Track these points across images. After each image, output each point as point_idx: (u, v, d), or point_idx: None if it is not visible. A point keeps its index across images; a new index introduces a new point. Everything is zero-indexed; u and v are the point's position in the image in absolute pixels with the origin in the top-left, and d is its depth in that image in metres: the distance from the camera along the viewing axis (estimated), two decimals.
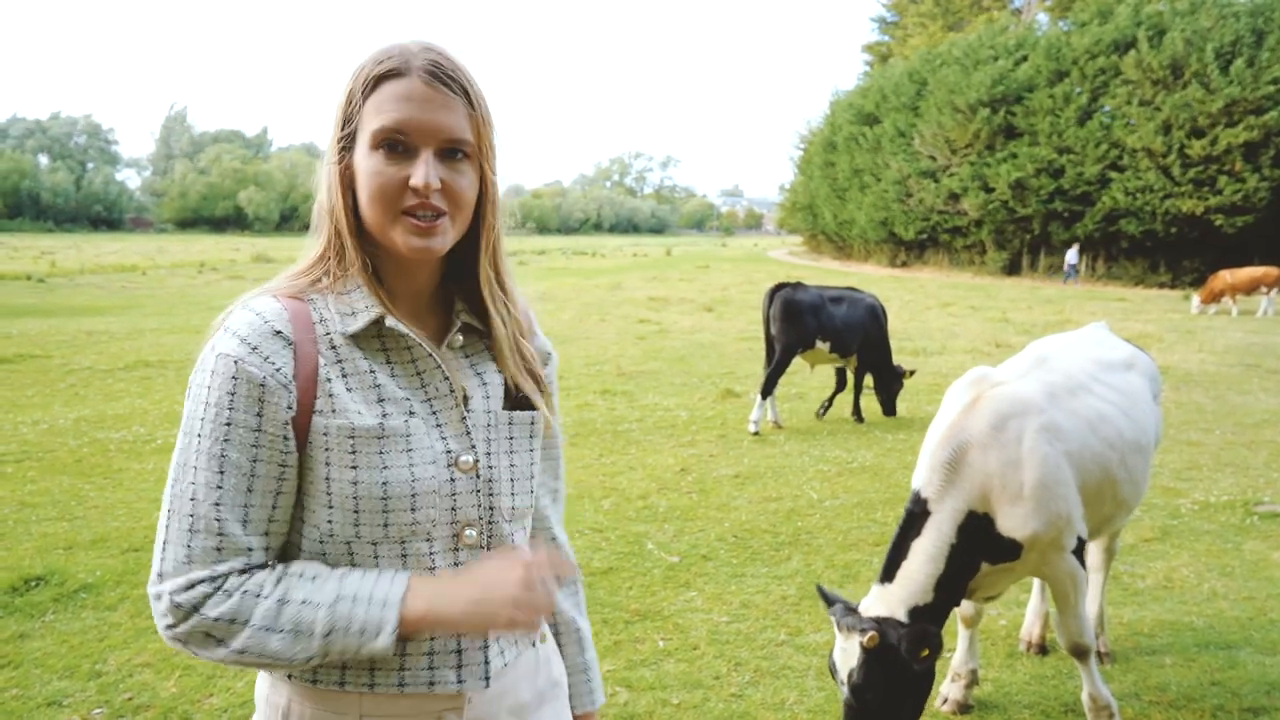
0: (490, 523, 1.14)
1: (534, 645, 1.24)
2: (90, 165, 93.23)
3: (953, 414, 2.79)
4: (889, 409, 8.04)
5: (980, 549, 2.65)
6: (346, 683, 1.07)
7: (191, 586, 0.99)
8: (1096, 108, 27.33)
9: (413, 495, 1.07)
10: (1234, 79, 23.72)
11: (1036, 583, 3.62)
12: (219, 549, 1.01)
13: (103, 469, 6.08)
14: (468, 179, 1.08)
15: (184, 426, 1.04)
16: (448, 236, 1.08)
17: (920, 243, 35.72)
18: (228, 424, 1.01)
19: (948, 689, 3.18)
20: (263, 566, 1.04)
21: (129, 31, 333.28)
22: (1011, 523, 2.63)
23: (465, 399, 1.14)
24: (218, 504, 1.01)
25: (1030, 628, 3.63)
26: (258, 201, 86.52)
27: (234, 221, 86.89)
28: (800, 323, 7.48)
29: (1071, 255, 26.69)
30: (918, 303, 19.70)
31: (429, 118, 1.04)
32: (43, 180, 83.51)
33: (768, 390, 7.42)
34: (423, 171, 1.03)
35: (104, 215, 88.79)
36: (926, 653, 2.45)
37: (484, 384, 1.18)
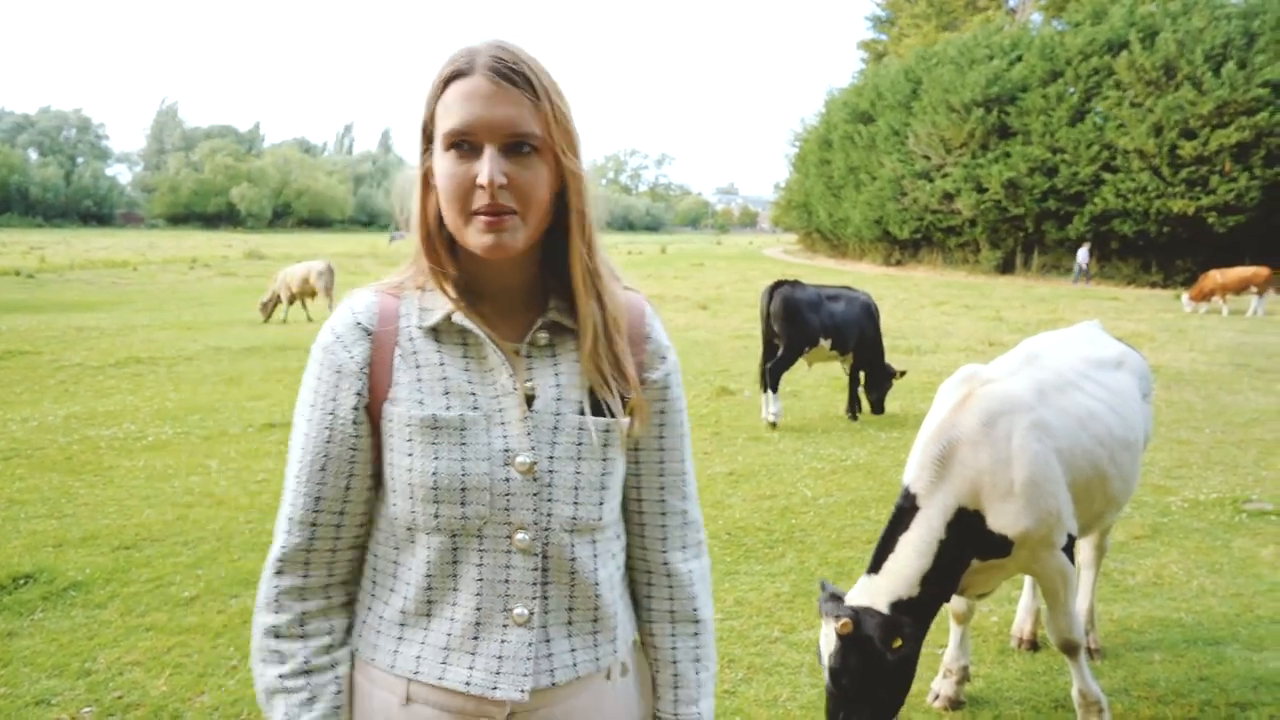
0: (546, 529, 1.11)
1: (607, 676, 1.19)
2: (80, 160, 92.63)
3: (943, 411, 2.81)
4: (878, 408, 8.08)
5: (970, 545, 2.68)
6: (396, 665, 1.13)
7: (277, 610, 1.14)
8: (1089, 108, 27.41)
9: (462, 489, 1.09)
10: (1225, 80, 23.82)
11: (1028, 579, 3.64)
12: (305, 576, 1.14)
13: (93, 466, 6.05)
14: (536, 173, 1.07)
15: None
16: (518, 234, 1.07)
17: (914, 241, 35.78)
18: (311, 405, 1.13)
19: (939, 685, 3.19)
20: (340, 596, 1.17)
21: (119, 25, 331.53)
22: (1002, 520, 2.65)
23: (529, 399, 1.12)
24: (298, 476, 1.12)
25: (1022, 624, 3.65)
26: (250, 198, 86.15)
27: (226, 218, 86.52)
28: (804, 320, 7.55)
29: (1082, 255, 26.07)
30: (912, 301, 19.74)
31: (491, 114, 1.04)
32: (32, 175, 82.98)
33: (774, 385, 7.50)
34: (486, 169, 1.03)
35: (94, 211, 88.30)
36: (899, 643, 2.50)
37: (560, 384, 1.14)
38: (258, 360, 10.74)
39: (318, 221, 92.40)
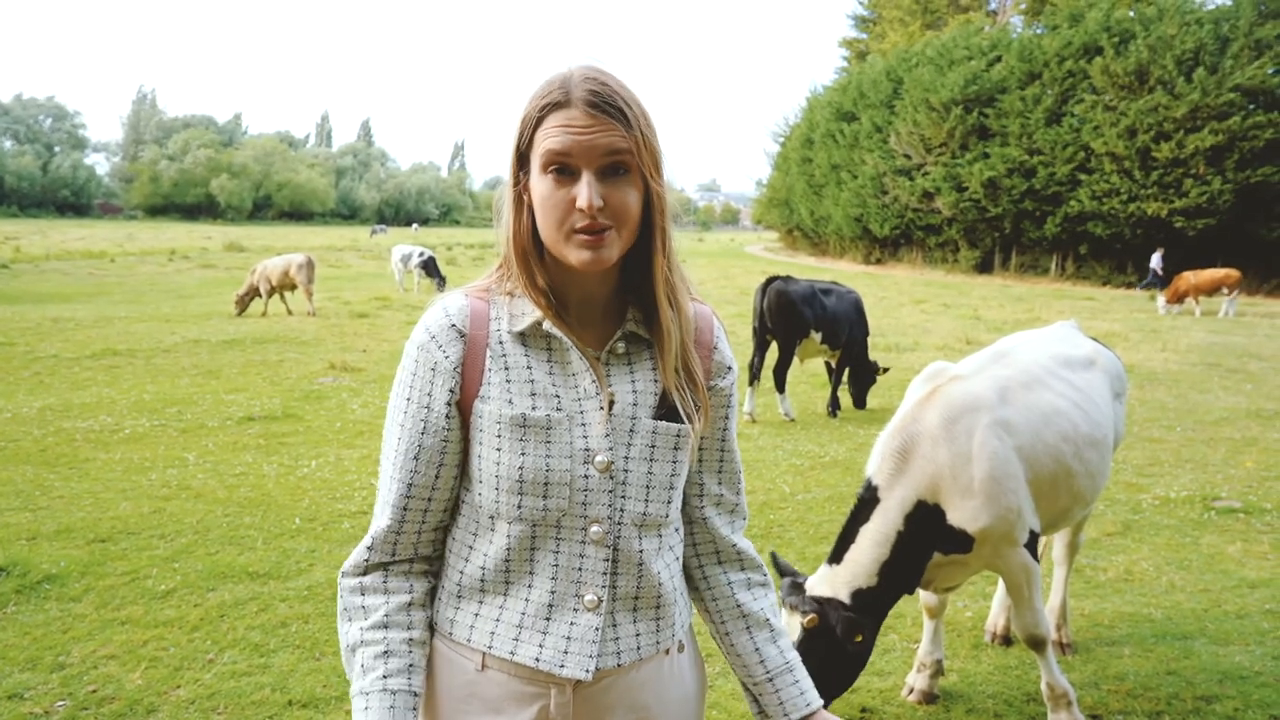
0: (618, 523, 1.21)
1: (666, 653, 1.28)
2: (58, 149, 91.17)
3: (908, 405, 2.87)
4: (860, 402, 8.18)
5: (930, 539, 2.73)
6: (472, 639, 1.23)
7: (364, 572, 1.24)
8: (1066, 110, 27.69)
9: (545, 484, 1.18)
10: (1197, 85, 24.15)
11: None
12: (393, 552, 1.24)
13: (68, 459, 5.99)
14: (629, 194, 1.15)
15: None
16: (614, 249, 1.16)
17: (894, 240, 36.02)
18: (408, 399, 1.22)
19: (913, 679, 3.24)
20: (422, 565, 1.27)
21: (96, 12, 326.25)
22: (962, 516, 2.69)
23: (611, 403, 1.21)
24: (393, 463, 1.22)
25: (995, 619, 3.70)
26: (230, 189, 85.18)
27: (206, 209, 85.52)
28: (798, 313, 7.66)
29: (1156, 260, 22.56)
30: (891, 299, 19.89)
31: (587, 142, 1.12)
32: (7, 164, 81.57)
33: (780, 385, 7.73)
34: (585, 193, 1.11)
35: (71, 201, 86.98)
36: (860, 638, 2.58)
37: (635, 390, 1.24)
38: (237, 353, 10.65)
39: (298, 214, 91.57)
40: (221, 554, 4.36)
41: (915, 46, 35.60)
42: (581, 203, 1.11)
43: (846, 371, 8.17)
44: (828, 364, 8.45)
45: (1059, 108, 27.84)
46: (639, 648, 1.24)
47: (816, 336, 7.80)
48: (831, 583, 2.68)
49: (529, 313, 1.21)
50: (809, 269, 32.03)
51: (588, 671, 1.20)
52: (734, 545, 1.37)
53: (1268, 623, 3.82)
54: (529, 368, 1.21)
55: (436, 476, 1.22)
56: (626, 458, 1.21)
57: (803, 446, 6.86)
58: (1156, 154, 24.89)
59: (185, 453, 6.20)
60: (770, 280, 7.84)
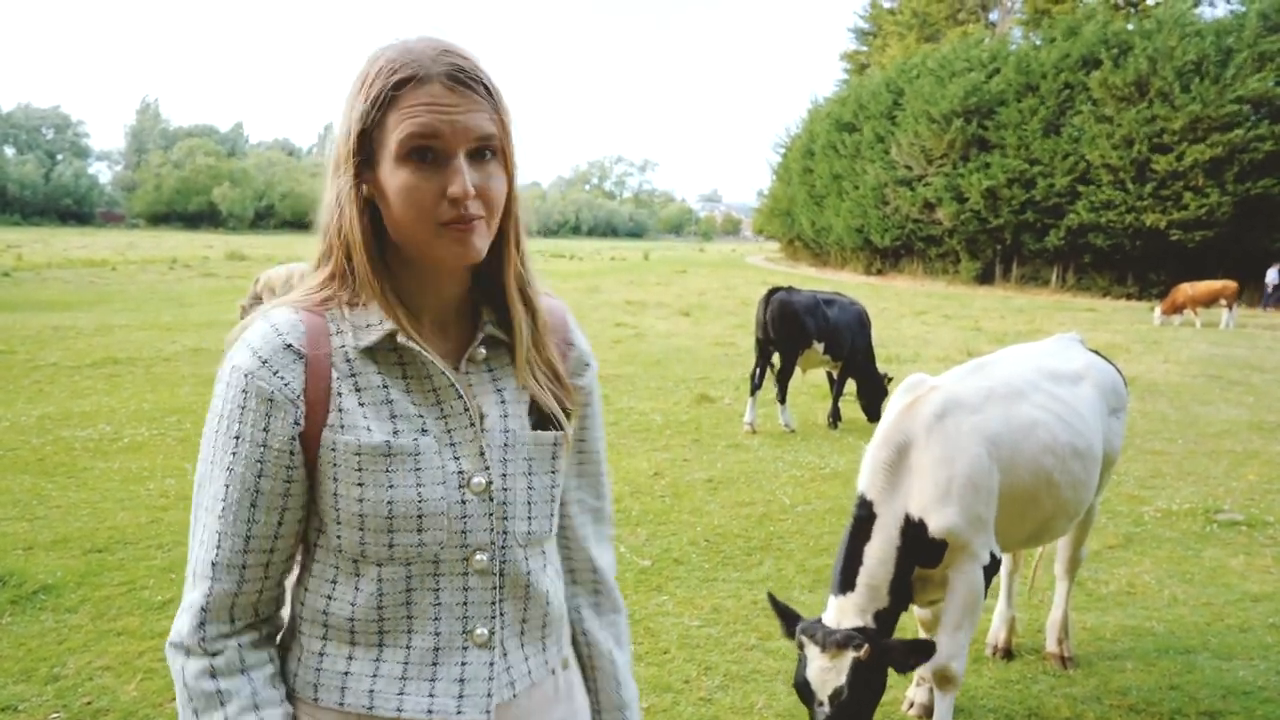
0: (503, 547, 1.10)
1: (552, 673, 1.19)
2: (60, 158, 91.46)
3: (890, 416, 2.84)
4: (873, 414, 8.15)
5: (916, 552, 2.68)
6: (345, 702, 1.07)
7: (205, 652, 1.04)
8: (1064, 122, 27.78)
9: (419, 516, 1.05)
10: (1196, 96, 24.21)
11: (1003, 588, 3.67)
12: (231, 621, 1.04)
13: (66, 468, 5.98)
14: (498, 179, 1.05)
15: (203, 435, 1.06)
16: (485, 239, 1.05)
17: (895, 250, 36.07)
18: (235, 438, 1.02)
19: (914, 693, 3.21)
20: (267, 628, 1.09)
21: (98, 21, 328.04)
22: (939, 521, 2.64)
23: (481, 418, 1.10)
24: (222, 515, 1.03)
25: (996, 632, 3.68)
26: (232, 198, 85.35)
27: (207, 218, 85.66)
28: (800, 324, 7.69)
29: (1272, 275, 22.09)
30: (892, 310, 19.89)
31: (458, 121, 1.00)
32: (9, 172, 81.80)
33: (782, 397, 7.79)
34: (460, 180, 0.99)
35: (73, 209, 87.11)
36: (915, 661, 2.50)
37: (503, 401, 1.12)
38: None
39: (300, 223, 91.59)
40: None
41: (915, 58, 35.76)
42: (456, 190, 0.99)
43: (850, 383, 8.16)
44: (829, 375, 8.45)
45: (1057, 119, 27.93)
46: (530, 672, 1.14)
47: (819, 347, 7.81)
48: (851, 611, 2.58)
49: (375, 324, 1.06)
50: (810, 279, 32.03)
51: (486, 712, 1.09)
52: (591, 561, 1.27)
53: (1271, 637, 3.80)
54: (385, 387, 1.06)
55: (279, 524, 1.05)
56: (504, 475, 1.09)
57: (803, 458, 6.85)
58: (1155, 166, 24.94)
59: (184, 462, 6.18)
60: (773, 291, 7.87)
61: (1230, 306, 17.87)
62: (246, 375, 1.03)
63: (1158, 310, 18.40)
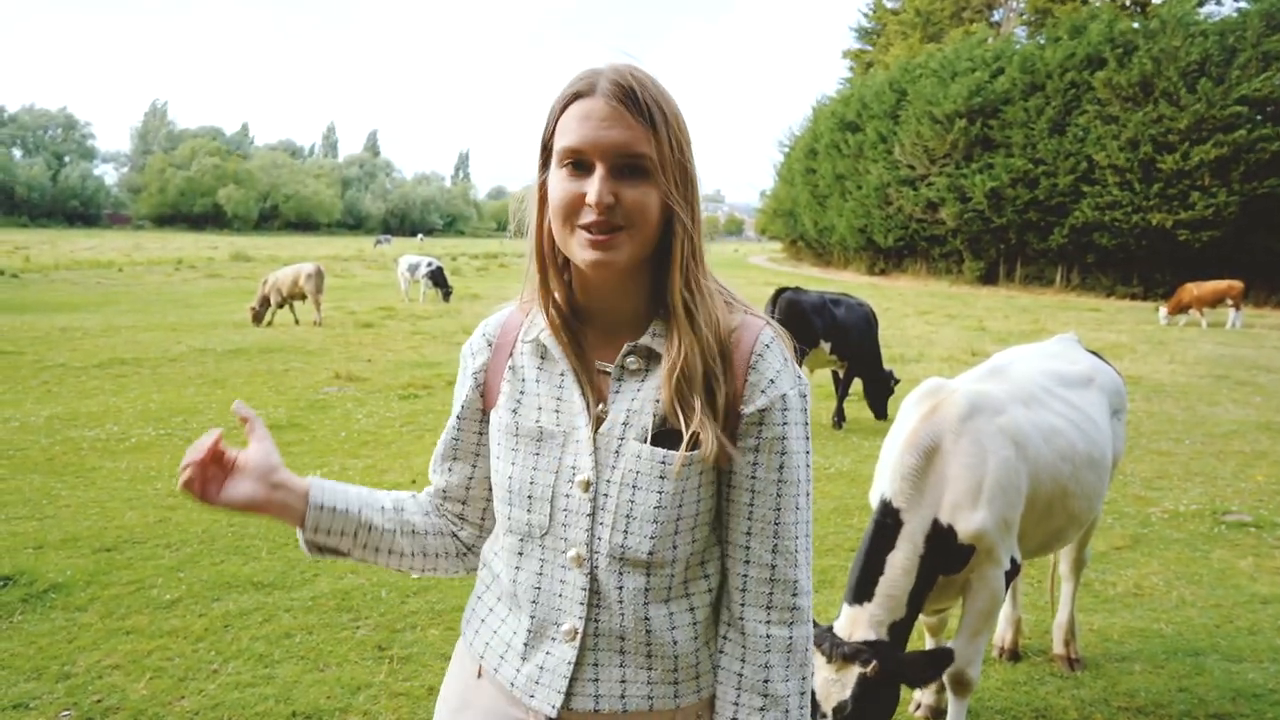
0: (595, 551, 1.12)
1: (651, 709, 1.13)
2: (67, 159, 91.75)
3: (912, 421, 2.73)
4: (880, 413, 8.18)
5: (940, 560, 2.58)
6: (472, 643, 1.26)
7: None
8: (1069, 121, 27.71)
9: (529, 497, 1.16)
10: (1201, 96, 24.14)
11: (1010, 588, 3.66)
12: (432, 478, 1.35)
13: (75, 467, 6.00)
14: (645, 195, 1.07)
15: None
16: (623, 251, 1.07)
17: (899, 250, 36.01)
18: (457, 392, 1.31)
19: (920, 695, 3.21)
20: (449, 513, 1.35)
21: (104, 23, 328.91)
22: (968, 525, 2.55)
23: (599, 420, 1.14)
24: (443, 442, 1.32)
25: (1003, 633, 3.67)
26: (237, 199, 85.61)
27: (213, 219, 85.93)
28: (808, 323, 7.68)
29: None
30: (896, 310, 19.86)
31: (604, 135, 1.05)
32: (17, 174, 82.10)
33: None
34: (595, 188, 1.05)
35: (80, 210, 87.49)
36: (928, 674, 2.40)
37: (630, 410, 1.12)
38: (242, 362, 10.67)
39: (305, 224, 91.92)
40: (226, 564, 4.35)
41: (919, 58, 35.69)
42: (591, 197, 1.05)
43: (856, 382, 8.17)
44: (835, 374, 8.45)
45: (1062, 119, 27.87)
46: (623, 696, 1.11)
47: (825, 347, 7.82)
48: (867, 623, 2.45)
49: (539, 323, 1.18)
50: (814, 280, 32.02)
51: (554, 707, 1.11)
52: (740, 619, 1.13)
53: None
54: (536, 380, 1.19)
55: (474, 466, 1.30)
56: (608, 481, 1.11)
57: None
58: (1161, 165, 24.87)
59: None
60: (781, 291, 7.88)
61: (1237, 306, 17.80)
62: (461, 354, 1.31)
63: (1163, 310, 18.34)
